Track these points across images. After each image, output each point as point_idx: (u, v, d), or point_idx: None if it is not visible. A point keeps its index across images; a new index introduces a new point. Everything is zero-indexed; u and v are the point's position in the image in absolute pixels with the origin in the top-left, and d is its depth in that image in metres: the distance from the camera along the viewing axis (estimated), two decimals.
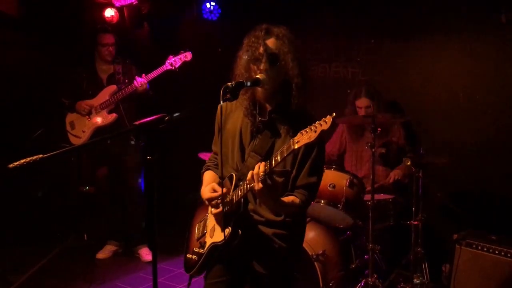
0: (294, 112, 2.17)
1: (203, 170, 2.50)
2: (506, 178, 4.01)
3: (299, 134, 1.87)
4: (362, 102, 4.19)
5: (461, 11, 4.16)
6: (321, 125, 1.81)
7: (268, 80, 2.11)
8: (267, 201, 2.10)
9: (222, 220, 2.18)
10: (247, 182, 2.03)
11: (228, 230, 2.13)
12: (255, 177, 1.97)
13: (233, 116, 2.32)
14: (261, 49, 2.12)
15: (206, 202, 2.25)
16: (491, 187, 4.11)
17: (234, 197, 2.17)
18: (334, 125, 1.80)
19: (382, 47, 4.62)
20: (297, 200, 2.16)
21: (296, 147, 1.86)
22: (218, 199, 2.17)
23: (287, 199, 2.15)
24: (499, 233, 3.57)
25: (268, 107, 2.22)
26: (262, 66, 2.11)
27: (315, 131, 1.81)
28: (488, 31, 4.07)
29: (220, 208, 2.17)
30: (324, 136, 1.83)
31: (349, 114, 4.27)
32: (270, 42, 2.13)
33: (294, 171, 2.18)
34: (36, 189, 5.27)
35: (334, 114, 1.81)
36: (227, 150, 2.30)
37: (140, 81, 4.49)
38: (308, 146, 2.03)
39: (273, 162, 1.96)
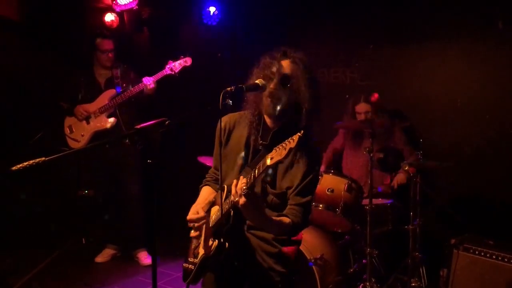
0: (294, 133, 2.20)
1: (202, 185, 2.52)
2: (504, 183, 4.03)
3: (274, 150, 1.90)
4: (361, 108, 4.22)
5: (459, 18, 4.20)
6: (289, 142, 1.85)
7: (276, 92, 2.13)
8: (252, 215, 2.08)
9: (211, 233, 2.20)
10: (232, 197, 2.04)
11: (214, 244, 2.16)
12: (238, 192, 1.97)
13: (236, 133, 2.34)
14: (274, 69, 2.14)
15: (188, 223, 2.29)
16: (489, 191, 4.13)
17: (222, 209, 2.17)
18: (303, 142, 1.83)
19: (380, 52, 4.65)
20: (287, 220, 2.15)
21: (269, 163, 1.88)
22: (195, 223, 2.22)
23: (276, 217, 2.14)
24: (496, 237, 3.58)
25: (273, 128, 2.24)
26: (272, 85, 2.13)
27: (285, 149, 1.85)
28: (486, 37, 4.10)
29: (197, 233, 2.24)
30: (291, 154, 1.86)
31: (349, 119, 4.29)
32: (285, 64, 2.16)
33: (289, 191, 2.20)
34: (34, 193, 5.27)
35: (301, 132, 1.84)
36: (228, 167, 2.31)
37: (149, 80, 4.49)
38: (307, 170, 2.14)
39: (252, 178, 1.97)
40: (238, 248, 2.20)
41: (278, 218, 2.14)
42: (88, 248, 4.96)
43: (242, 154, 2.29)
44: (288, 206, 2.19)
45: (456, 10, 4.21)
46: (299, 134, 1.84)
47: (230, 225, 2.18)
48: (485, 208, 4.11)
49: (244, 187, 1.95)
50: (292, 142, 1.83)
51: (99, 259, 4.90)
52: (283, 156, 1.84)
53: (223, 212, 2.15)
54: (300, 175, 2.17)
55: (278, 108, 2.15)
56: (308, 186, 2.19)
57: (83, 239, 5.13)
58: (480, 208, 4.13)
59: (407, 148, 4.23)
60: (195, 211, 2.27)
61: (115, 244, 4.99)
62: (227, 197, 2.19)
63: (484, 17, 4.09)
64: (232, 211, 2.14)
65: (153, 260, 2.00)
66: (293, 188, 2.18)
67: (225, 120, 2.34)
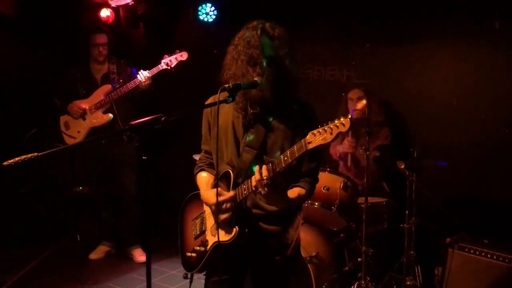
0: (285, 103, 2.19)
1: (196, 171, 2.48)
2: (499, 182, 4.04)
3: (310, 134, 1.87)
4: (354, 93, 4.23)
5: (456, 17, 4.19)
6: (337, 127, 1.81)
7: (266, 83, 2.11)
8: (275, 201, 2.13)
9: (226, 220, 2.18)
10: (253, 188, 2.03)
11: (235, 230, 2.14)
12: (259, 183, 1.97)
13: (222, 111, 2.30)
14: (258, 52, 2.10)
15: (213, 208, 2.24)
16: (484, 191, 4.13)
17: (237, 196, 2.17)
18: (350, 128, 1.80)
19: (377, 51, 4.64)
20: (303, 191, 2.19)
21: (309, 147, 1.87)
22: (226, 203, 2.16)
23: (293, 192, 2.17)
24: (491, 237, 3.59)
25: (259, 100, 2.20)
26: (260, 70, 2.11)
27: (331, 133, 1.81)
28: (482, 37, 4.10)
29: (229, 214, 2.17)
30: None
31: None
32: (267, 44, 2.12)
33: (295, 161, 2.17)
34: (29, 189, 5.24)
35: (350, 116, 1.81)
36: (221, 147, 2.29)
37: (144, 75, 4.42)
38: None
39: (283, 164, 1.94)
40: (248, 229, 2.20)
41: (296, 195, 2.17)
42: (82, 245, 4.94)
43: (231, 130, 2.26)
44: (299, 176, 2.20)
45: (453, 9, 4.20)
46: (350, 117, 1.80)
47: (244, 209, 2.19)
48: (480, 207, 4.12)
49: (266, 179, 1.94)
50: (342, 126, 1.80)
51: (93, 256, 4.88)
52: (329, 140, 1.82)
53: (240, 199, 2.15)
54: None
55: (268, 90, 2.13)
56: (314, 151, 2.16)
57: (78, 236, 5.11)
58: (475, 207, 4.14)
59: (394, 145, 4.22)
60: (213, 195, 2.18)
61: (109, 241, 4.98)
62: (235, 182, 2.18)
63: (481, 17, 4.08)
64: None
65: (148, 257, 1.97)
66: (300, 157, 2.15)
67: (210, 102, 2.30)
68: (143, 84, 4.44)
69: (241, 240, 2.15)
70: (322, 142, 1.82)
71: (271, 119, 2.20)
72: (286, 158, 1.94)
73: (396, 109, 4.52)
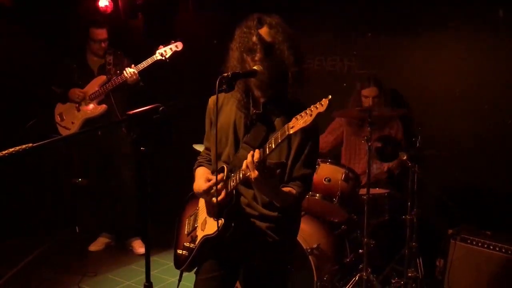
0: (289, 103, 2.12)
1: (195, 166, 2.45)
2: (501, 173, 4.01)
3: (293, 119, 1.83)
4: (370, 91, 4.16)
5: (458, 6, 4.14)
6: (316, 108, 1.77)
7: (265, 71, 2.06)
8: (264, 189, 2.04)
9: (214, 212, 2.13)
10: (243, 171, 1.98)
11: (221, 222, 2.08)
12: (249, 165, 1.91)
13: (225, 109, 2.26)
14: (255, 39, 2.05)
15: (204, 196, 2.19)
16: (487, 182, 4.10)
17: (227, 187, 2.12)
18: (329, 108, 1.76)
19: (378, 41, 4.59)
20: (293, 191, 2.11)
21: (291, 132, 1.82)
22: (219, 184, 2.10)
23: (285, 189, 2.11)
24: (493, 228, 3.56)
25: (262, 99, 2.16)
26: (257, 57, 2.06)
27: (311, 115, 1.77)
28: (485, 25, 4.05)
29: (223, 194, 2.10)
30: (318, 120, 1.79)
31: (354, 105, 4.23)
32: (264, 31, 2.07)
33: (289, 163, 2.13)
34: (28, 181, 5.21)
35: (330, 96, 1.77)
36: (220, 145, 2.24)
37: (129, 72, 4.39)
38: (303, 138, 2.04)
39: (267, 150, 1.91)
40: (239, 226, 2.14)
41: (288, 191, 2.10)
42: (82, 237, 4.93)
43: (232, 130, 2.21)
44: (292, 180, 2.14)
45: None
46: (329, 98, 1.76)
47: (234, 204, 2.13)
48: (483, 198, 4.09)
49: (256, 161, 1.89)
50: (320, 106, 1.76)
51: (93, 247, 4.87)
52: (309, 122, 1.77)
53: (229, 190, 2.10)
54: (296, 146, 2.09)
55: (268, 78, 2.08)
56: (309, 156, 2.12)
57: (77, 228, 5.10)
58: (478, 198, 4.11)
59: (405, 138, 4.19)
60: (206, 179, 2.16)
61: (109, 232, 4.97)
62: (228, 177, 2.13)
63: (484, 5, 4.03)
64: (234, 189, 2.10)
65: (147, 249, 1.94)
66: (294, 159, 2.11)
67: (214, 99, 2.22)
68: (129, 80, 4.41)
69: (226, 232, 2.09)
70: (303, 125, 1.78)
71: (273, 119, 2.14)
72: (270, 145, 1.91)
73: (403, 100, 4.48)
